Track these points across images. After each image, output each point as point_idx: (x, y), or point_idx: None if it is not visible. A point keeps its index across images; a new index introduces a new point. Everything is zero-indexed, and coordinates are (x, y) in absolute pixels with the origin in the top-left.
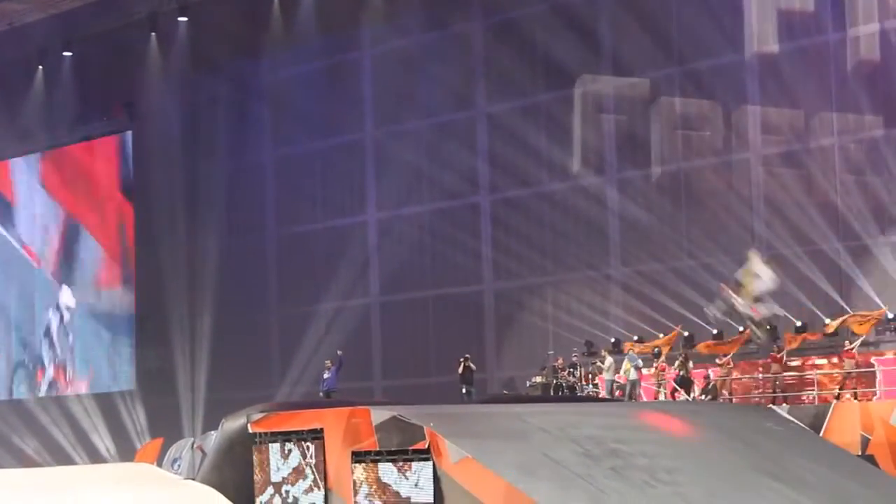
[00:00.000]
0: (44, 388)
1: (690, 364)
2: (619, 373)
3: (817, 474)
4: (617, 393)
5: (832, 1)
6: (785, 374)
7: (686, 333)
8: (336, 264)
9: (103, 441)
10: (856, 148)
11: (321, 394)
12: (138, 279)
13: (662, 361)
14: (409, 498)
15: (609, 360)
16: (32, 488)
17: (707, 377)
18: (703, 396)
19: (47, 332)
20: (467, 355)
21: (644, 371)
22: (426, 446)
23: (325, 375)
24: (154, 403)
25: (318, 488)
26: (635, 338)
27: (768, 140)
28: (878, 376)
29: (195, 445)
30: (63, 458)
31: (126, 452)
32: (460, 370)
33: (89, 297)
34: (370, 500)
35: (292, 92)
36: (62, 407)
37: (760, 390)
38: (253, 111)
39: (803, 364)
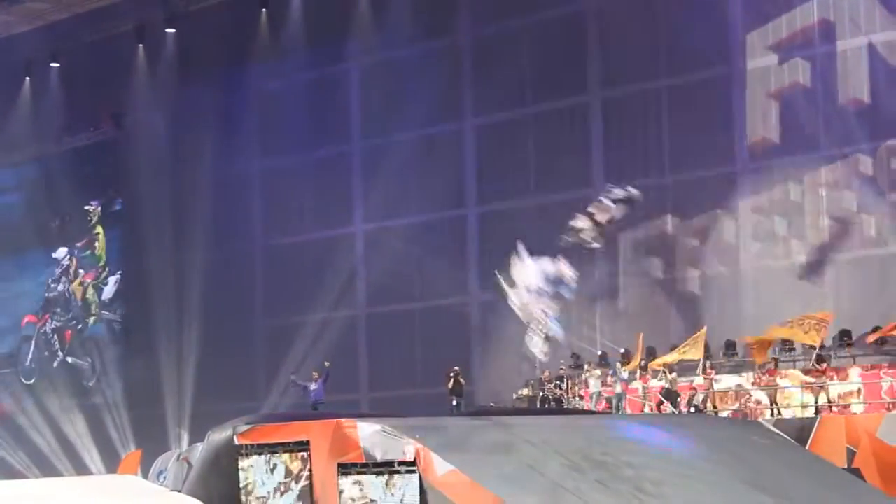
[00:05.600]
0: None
1: (674, 375)
2: (605, 385)
3: (803, 487)
4: (603, 405)
5: (819, 14)
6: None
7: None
8: (323, 276)
9: (89, 453)
10: (841, 159)
11: (310, 399)
12: (125, 290)
13: (646, 374)
14: None
15: (596, 372)
16: (18, 500)
17: (693, 389)
18: (689, 409)
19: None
20: (456, 368)
21: (630, 385)
22: (413, 459)
23: (312, 387)
24: (140, 415)
25: (305, 501)
26: (621, 350)
27: (755, 152)
28: (862, 390)
29: (181, 457)
30: (49, 470)
31: (112, 464)
32: (450, 384)
33: None
34: None
35: (280, 103)
36: (49, 418)
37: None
38: (240, 122)
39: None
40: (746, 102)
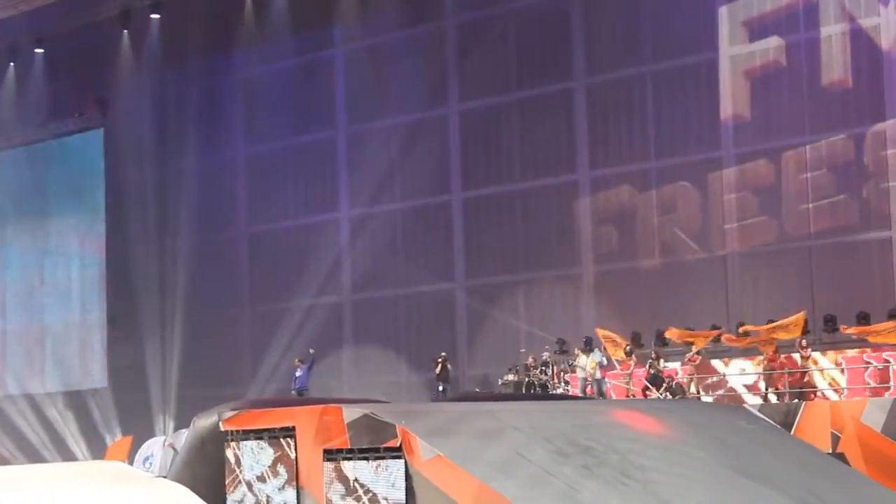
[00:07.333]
0: None
1: (662, 362)
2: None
3: (788, 472)
4: (588, 391)
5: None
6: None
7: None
8: (308, 262)
9: (75, 439)
10: (826, 146)
11: (293, 392)
12: (109, 276)
13: (630, 360)
14: (381, 496)
15: (583, 358)
16: (3, 486)
17: (675, 374)
18: (666, 394)
19: None
20: (444, 354)
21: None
22: (398, 444)
23: (297, 374)
24: (126, 401)
25: (290, 486)
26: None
27: (740, 138)
28: (845, 375)
29: (167, 443)
30: (35, 457)
31: (97, 450)
32: (438, 370)
33: None
34: (343, 499)
35: (265, 89)
36: (34, 405)
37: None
38: (225, 108)
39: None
40: (730, 84)
